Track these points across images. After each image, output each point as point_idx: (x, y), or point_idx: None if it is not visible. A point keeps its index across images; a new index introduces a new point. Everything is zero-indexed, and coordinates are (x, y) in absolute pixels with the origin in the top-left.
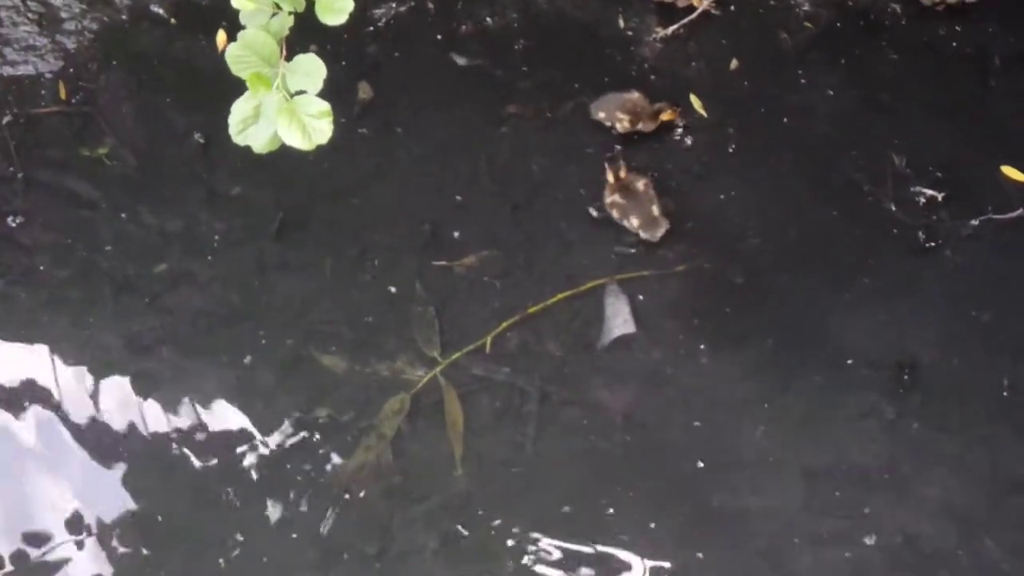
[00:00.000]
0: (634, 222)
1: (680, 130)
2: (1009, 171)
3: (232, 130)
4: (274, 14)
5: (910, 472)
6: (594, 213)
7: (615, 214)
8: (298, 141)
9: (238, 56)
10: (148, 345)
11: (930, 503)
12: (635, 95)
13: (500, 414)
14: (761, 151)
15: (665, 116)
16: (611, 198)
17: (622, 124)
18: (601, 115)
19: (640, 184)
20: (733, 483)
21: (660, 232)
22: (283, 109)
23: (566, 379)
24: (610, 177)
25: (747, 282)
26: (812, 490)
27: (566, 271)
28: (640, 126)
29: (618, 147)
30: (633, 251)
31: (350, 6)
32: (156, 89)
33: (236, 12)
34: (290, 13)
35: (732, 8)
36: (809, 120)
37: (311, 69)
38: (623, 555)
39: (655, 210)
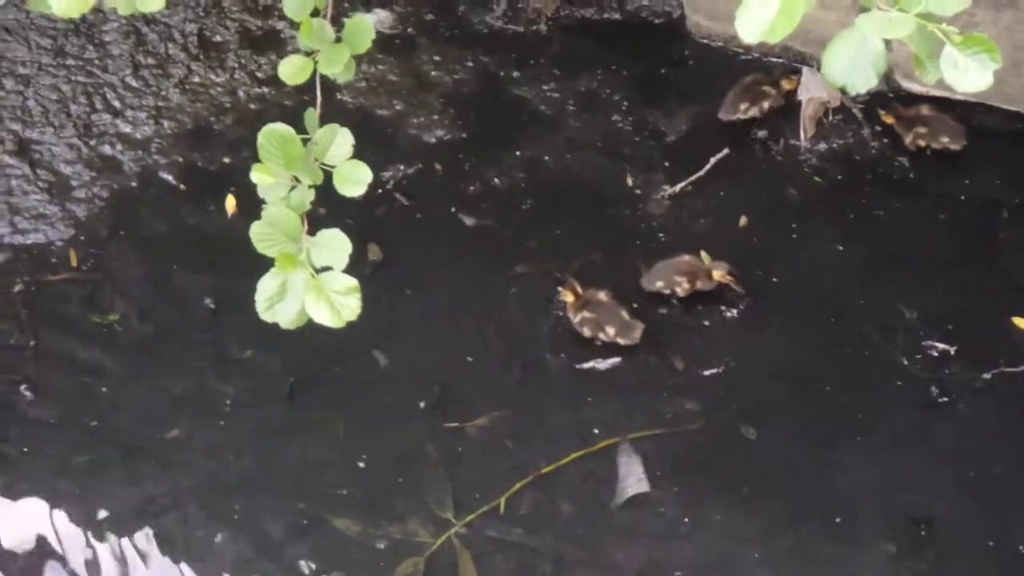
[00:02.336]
0: (610, 332)
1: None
2: (1020, 322)
3: (259, 307)
4: (293, 187)
5: None
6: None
7: (587, 332)
8: (327, 319)
9: (262, 233)
10: (159, 511)
11: None
12: (686, 258)
13: (514, 575)
14: (771, 306)
15: (718, 276)
16: (578, 316)
17: (682, 287)
18: (659, 284)
19: (602, 295)
20: None
21: (637, 334)
22: (311, 287)
23: (580, 539)
24: (568, 297)
25: (760, 437)
26: None
27: (578, 430)
28: (699, 285)
29: (565, 275)
30: (646, 407)
31: (368, 178)
32: (166, 255)
33: (244, 178)
34: (310, 186)
35: (739, 165)
36: (819, 274)
37: (336, 244)
38: None
39: (625, 315)
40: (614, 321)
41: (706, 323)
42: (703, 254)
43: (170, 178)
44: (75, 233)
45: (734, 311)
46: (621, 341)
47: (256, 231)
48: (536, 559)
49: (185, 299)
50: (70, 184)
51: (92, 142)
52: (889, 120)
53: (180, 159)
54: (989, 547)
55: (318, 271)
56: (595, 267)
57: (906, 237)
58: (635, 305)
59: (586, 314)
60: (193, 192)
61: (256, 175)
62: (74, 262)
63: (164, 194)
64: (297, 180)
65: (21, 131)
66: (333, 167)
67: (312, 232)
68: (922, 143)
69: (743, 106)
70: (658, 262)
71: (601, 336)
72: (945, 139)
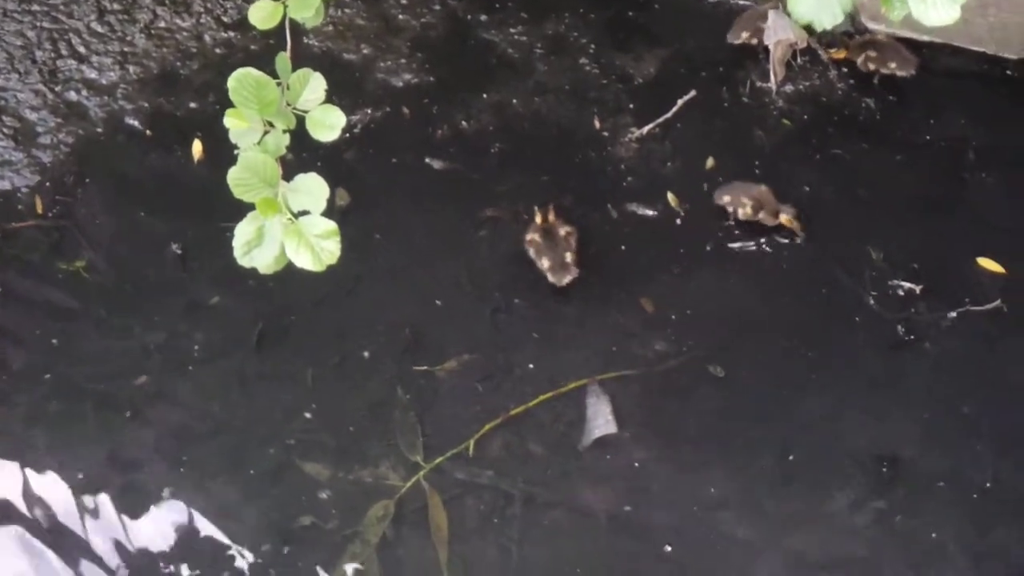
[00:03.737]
0: (544, 263)
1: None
2: (985, 263)
3: (237, 252)
4: (266, 132)
5: (894, 567)
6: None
7: (531, 252)
8: (308, 263)
9: (240, 179)
10: (130, 459)
11: None
12: (763, 187)
13: (484, 518)
14: (738, 248)
15: (784, 219)
16: (531, 236)
17: (744, 211)
18: (726, 199)
19: (562, 231)
20: None
21: (566, 279)
22: (290, 231)
23: (549, 481)
24: (538, 218)
25: (728, 376)
26: None
27: (547, 372)
28: (761, 216)
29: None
30: (615, 349)
31: (342, 123)
32: (133, 201)
33: (211, 123)
34: (285, 131)
35: (707, 107)
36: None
37: (313, 189)
38: None
39: (568, 257)
40: (554, 257)
41: (674, 265)
42: (669, 195)
43: (136, 124)
44: (41, 180)
45: (702, 250)
46: (550, 277)
47: (234, 177)
48: (505, 501)
49: (152, 245)
50: (35, 130)
51: (58, 88)
52: (840, 55)
53: (146, 105)
54: (954, 485)
55: (296, 215)
56: (564, 210)
57: (873, 178)
58: (592, 249)
59: (536, 238)
60: (159, 138)
61: (229, 120)
62: (40, 209)
63: (130, 140)
64: (270, 125)
65: None
66: (306, 112)
67: (283, 177)
68: (872, 67)
69: (744, 34)
70: (736, 183)
71: (537, 265)
72: (893, 64)
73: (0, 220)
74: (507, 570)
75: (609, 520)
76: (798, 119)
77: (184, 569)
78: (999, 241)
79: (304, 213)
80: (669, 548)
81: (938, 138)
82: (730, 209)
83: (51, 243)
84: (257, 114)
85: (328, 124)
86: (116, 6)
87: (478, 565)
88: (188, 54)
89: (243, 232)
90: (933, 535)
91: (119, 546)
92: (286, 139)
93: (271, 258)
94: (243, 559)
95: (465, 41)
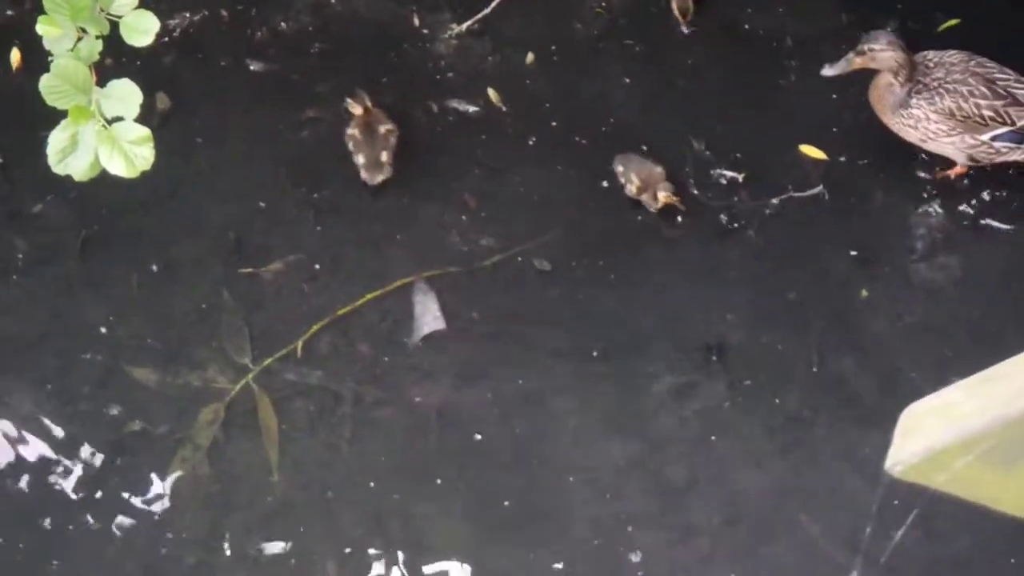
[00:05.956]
0: (360, 160)
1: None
2: (807, 149)
3: (51, 160)
4: (79, 38)
5: (724, 452)
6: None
7: (350, 147)
8: (121, 169)
9: (52, 86)
10: None
11: (745, 482)
12: (658, 169)
13: (314, 418)
14: (561, 142)
15: (663, 197)
16: (351, 131)
17: (631, 187)
18: (619, 168)
19: (382, 128)
20: (549, 475)
21: (379, 178)
22: (104, 138)
23: (379, 379)
24: (355, 109)
25: (555, 270)
26: (628, 475)
27: (373, 271)
28: (644, 198)
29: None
30: (440, 245)
31: (155, 27)
32: None
33: (29, 31)
34: (98, 37)
35: (525, 1)
36: (607, 108)
37: (126, 94)
38: (440, 556)
39: (384, 156)
40: (368, 153)
41: (496, 159)
42: (490, 91)
43: None
44: None
45: (524, 145)
46: (363, 175)
47: (46, 84)
48: (335, 401)
49: None
50: None
51: None
52: None
53: None
54: (782, 369)
55: (109, 122)
56: (385, 109)
57: (692, 68)
58: (415, 146)
59: (356, 133)
60: None
61: (42, 27)
62: None
63: None
64: (84, 31)
65: None
66: (119, 17)
67: (100, 83)
68: None
69: None
70: (635, 156)
71: (353, 160)
72: None
73: None
74: (337, 468)
75: (439, 416)
76: (617, 10)
77: (12, 478)
78: (820, 128)
79: (118, 119)
80: (479, 436)
81: (757, 26)
82: (621, 180)
83: None
84: (69, 20)
85: (142, 29)
86: None
87: (309, 464)
88: None
89: (57, 140)
90: (761, 420)
91: None
92: (99, 45)
93: (86, 165)
94: (74, 465)
95: None
